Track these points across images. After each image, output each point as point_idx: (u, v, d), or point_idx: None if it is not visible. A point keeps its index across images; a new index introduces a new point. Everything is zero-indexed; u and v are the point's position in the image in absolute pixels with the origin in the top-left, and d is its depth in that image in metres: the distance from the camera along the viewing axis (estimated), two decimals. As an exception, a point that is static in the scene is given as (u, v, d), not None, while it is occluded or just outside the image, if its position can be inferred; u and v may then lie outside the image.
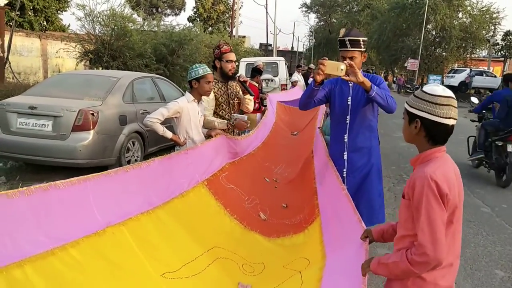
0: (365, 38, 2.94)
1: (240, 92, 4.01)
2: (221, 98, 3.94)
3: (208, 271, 2.36)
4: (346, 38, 2.88)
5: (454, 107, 1.63)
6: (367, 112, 3.09)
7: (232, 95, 3.98)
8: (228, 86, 3.97)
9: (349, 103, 3.05)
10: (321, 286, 2.12)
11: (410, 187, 1.60)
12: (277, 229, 3.22)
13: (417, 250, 1.51)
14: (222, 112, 3.97)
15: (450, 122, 1.62)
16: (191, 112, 3.47)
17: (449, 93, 1.65)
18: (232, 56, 3.86)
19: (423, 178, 1.54)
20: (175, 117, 3.45)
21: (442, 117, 1.61)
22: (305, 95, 3.06)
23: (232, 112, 4.03)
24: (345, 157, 3.10)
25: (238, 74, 3.95)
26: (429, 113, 1.62)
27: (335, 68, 2.64)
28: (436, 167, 1.58)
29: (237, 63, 4.09)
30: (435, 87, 1.67)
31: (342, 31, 2.99)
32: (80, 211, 1.92)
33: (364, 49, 2.93)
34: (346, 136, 3.08)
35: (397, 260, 1.57)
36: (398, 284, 1.64)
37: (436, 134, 1.65)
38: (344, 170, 3.09)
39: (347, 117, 3.06)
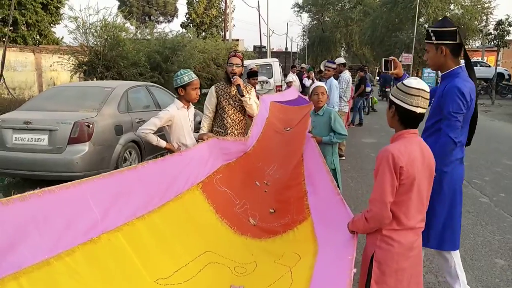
0: (441, 29, 2.60)
1: (249, 95, 4.10)
2: (221, 98, 4.15)
3: (199, 276, 2.36)
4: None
5: (424, 98, 1.96)
6: None
7: (234, 98, 4.09)
8: (232, 89, 4.13)
9: None
10: (311, 285, 2.14)
11: (376, 160, 1.98)
12: (267, 231, 3.24)
13: (368, 207, 1.97)
14: (221, 111, 4.10)
15: (418, 110, 1.96)
16: (182, 118, 3.49)
17: (422, 86, 1.97)
18: (233, 60, 4.12)
19: (383, 151, 1.93)
20: (167, 125, 3.48)
21: (411, 105, 1.96)
22: None
23: (237, 113, 4.13)
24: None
25: (233, 78, 3.99)
26: (401, 101, 1.99)
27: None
28: (398, 144, 1.96)
29: (241, 66, 4.21)
30: (412, 80, 2.02)
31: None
32: (79, 216, 1.91)
33: (437, 42, 2.60)
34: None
35: (359, 217, 2.06)
36: (370, 242, 2.02)
37: (406, 118, 2.00)
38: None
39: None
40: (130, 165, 5.99)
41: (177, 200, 2.72)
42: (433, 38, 2.61)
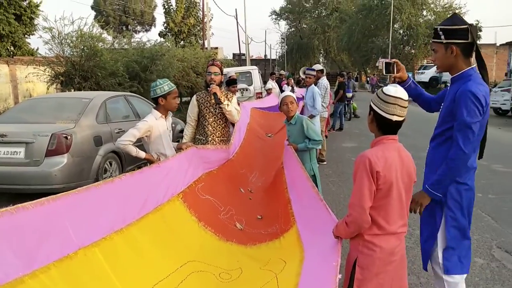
0: (451, 27, 2.35)
1: (229, 101, 4.13)
2: (202, 106, 4.20)
3: (181, 287, 2.34)
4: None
5: (401, 106, 1.97)
6: None
7: (215, 105, 4.13)
8: (212, 96, 4.13)
9: None
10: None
11: (354, 165, 2.02)
12: (253, 237, 3.23)
13: (348, 211, 2.01)
14: (202, 120, 4.15)
15: (394, 118, 1.97)
16: (160, 128, 3.48)
17: (400, 94, 1.98)
18: (211, 69, 4.15)
19: (361, 157, 1.96)
20: (146, 135, 3.45)
21: (387, 113, 1.98)
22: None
23: (218, 120, 4.15)
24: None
25: (210, 87, 4.01)
26: (379, 108, 2.01)
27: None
28: (376, 150, 1.98)
29: (220, 74, 4.22)
30: (390, 87, 2.02)
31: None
32: (54, 232, 1.86)
33: (446, 41, 2.34)
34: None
35: (341, 222, 2.09)
36: (353, 247, 2.05)
37: (383, 125, 2.03)
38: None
39: None
40: (111, 175, 5.95)
41: (157, 212, 2.68)
42: (442, 37, 2.36)
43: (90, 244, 2.02)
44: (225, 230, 3.21)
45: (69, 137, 5.28)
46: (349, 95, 14.55)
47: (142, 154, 3.43)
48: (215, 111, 4.19)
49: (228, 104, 4.08)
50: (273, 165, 4.84)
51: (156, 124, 3.47)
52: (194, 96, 4.32)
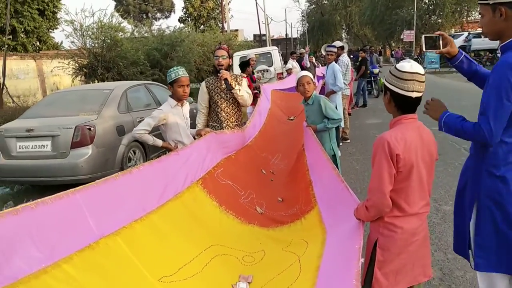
0: None
1: (240, 86, 4.07)
2: (213, 93, 4.12)
3: (206, 270, 2.36)
4: None
5: (419, 81, 1.88)
6: None
7: (225, 91, 4.06)
8: (222, 82, 4.06)
9: None
10: (319, 275, 2.13)
11: (373, 147, 1.95)
12: (275, 220, 3.23)
13: (367, 196, 1.96)
14: (214, 106, 4.08)
15: (414, 94, 1.89)
16: (176, 116, 3.48)
17: (416, 69, 1.88)
18: (218, 52, 4.04)
19: (379, 139, 1.89)
20: (162, 124, 3.47)
21: (406, 91, 1.89)
22: None
23: (230, 105, 4.12)
24: None
25: (219, 72, 3.97)
26: (395, 87, 1.92)
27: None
28: (395, 131, 1.91)
29: (228, 57, 4.15)
30: (405, 63, 1.92)
31: None
32: (74, 224, 1.91)
33: (494, 2, 1.92)
34: None
35: (361, 205, 2.05)
36: (373, 228, 1.99)
37: (402, 104, 1.94)
38: None
39: None
40: (135, 164, 6.06)
41: (177, 199, 2.71)
42: None
43: (111, 233, 2.06)
44: (246, 213, 3.22)
45: (92, 128, 5.39)
46: (376, 70, 13.72)
47: (159, 143, 3.45)
48: (227, 96, 4.12)
49: (239, 89, 4.03)
50: (295, 147, 4.82)
51: (172, 112, 3.47)
52: (203, 82, 4.24)
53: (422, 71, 1.90)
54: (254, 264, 2.58)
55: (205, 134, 3.53)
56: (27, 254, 1.67)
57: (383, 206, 1.88)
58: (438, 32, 2.30)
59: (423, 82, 1.89)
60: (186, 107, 3.64)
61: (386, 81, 1.98)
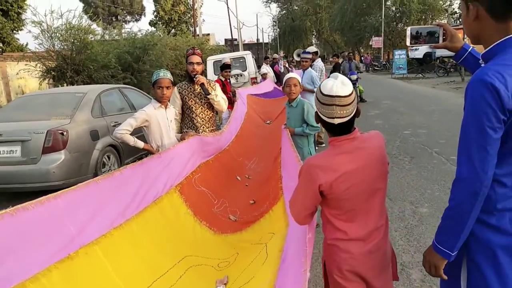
0: None
1: (215, 91, 4.02)
2: (186, 98, 4.03)
3: (180, 283, 2.33)
4: None
5: (339, 105, 1.63)
6: None
7: (200, 95, 4.02)
8: (196, 87, 4.03)
9: None
10: (282, 255, 2.19)
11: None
12: (247, 222, 3.28)
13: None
14: (189, 112, 4.03)
15: (335, 121, 1.65)
16: (159, 118, 3.43)
17: (336, 90, 1.63)
18: (192, 59, 3.96)
19: (305, 163, 1.74)
20: (145, 126, 3.41)
21: (326, 117, 1.68)
22: None
23: (205, 110, 4.07)
24: None
25: (195, 77, 3.92)
26: (318, 110, 1.72)
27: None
28: (323, 156, 1.73)
29: (202, 63, 4.09)
30: (327, 83, 1.67)
31: None
32: (55, 231, 1.84)
33: None
34: None
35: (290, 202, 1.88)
36: (324, 247, 1.83)
37: (328, 128, 1.73)
38: None
39: None
40: (110, 169, 5.91)
41: (155, 206, 2.67)
42: None
43: (90, 242, 2.00)
44: (219, 224, 3.23)
45: (65, 133, 5.22)
46: (354, 77, 12.63)
47: (140, 144, 3.39)
48: (201, 102, 4.06)
49: (216, 95, 4.00)
50: (273, 150, 4.84)
51: (155, 114, 3.42)
52: (175, 88, 4.12)
53: (345, 92, 1.63)
54: (229, 267, 2.60)
55: (189, 137, 3.49)
56: (4, 266, 1.58)
57: (298, 222, 1.85)
58: (438, 22, 1.94)
59: (347, 105, 1.63)
60: (171, 110, 3.59)
61: (315, 99, 1.77)
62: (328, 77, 1.85)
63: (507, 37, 1.45)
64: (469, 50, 1.81)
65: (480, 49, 1.64)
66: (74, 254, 1.88)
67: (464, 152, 1.44)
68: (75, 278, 1.82)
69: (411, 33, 2.02)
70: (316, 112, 1.75)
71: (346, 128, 1.68)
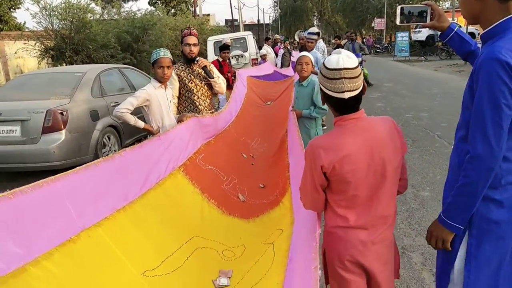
0: None
1: (212, 72, 3.95)
2: (186, 80, 3.93)
3: (187, 264, 2.31)
4: None
5: (348, 78, 1.56)
6: None
7: (200, 77, 3.95)
8: (194, 68, 3.94)
9: None
10: (289, 255, 2.15)
11: None
12: (256, 209, 3.21)
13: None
14: (189, 94, 3.94)
15: (346, 95, 1.58)
16: (160, 98, 3.39)
17: (343, 63, 1.57)
18: (189, 40, 3.84)
19: (309, 145, 1.69)
20: (145, 105, 3.37)
21: (335, 92, 1.60)
22: None
23: (206, 92, 4.01)
24: None
25: (196, 59, 3.83)
26: (326, 88, 1.63)
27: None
28: (327, 137, 1.67)
29: (198, 44, 3.97)
30: (333, 57, 1.62)
31: None
32: (55, 215, 1.79)
33: None
34: None
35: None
36: (325, 234, 1.76)
37: (337, 106, 1.65)
38: None
39: None
40: (110, 150, 5.89)
41: (159, 187, 2.63)
42: None
43: (92, 225, 1.96)
44: (228, 202, 3.18)
45: (64, 112, 5.17)
46: (358, 59, 11.59)
47: (141, 124, 3.35)
48: (202, 83, 3.98)
49: (218, 77, 3.92)
50: (277, 131, 4.81)
51: (155, 94, 3.37)
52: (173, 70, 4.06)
53: (352, 64, 1.59)
54: (234, 259, 2.56)
55: (186, 119, 3.45)
56: (4, 250, 1.54)
57: (305, 207, 1.83)
58: (426, 2, 1.93)
59: (355, 77, 1.58)
60: (169, 90, 3.55)
61: (318, 79, 1.70)
62: None
63: (510, 16, 1.49)
64: (455, 29, 1.85)
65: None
66: (76, 237, 1.83)
67: (479, 129, 1.46)
68: (79, 260, 1.79)
69: (402, 11, 2.01)
70: (322, 91, 1.68)
71: (354, 105, 1.62)
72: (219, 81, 3.94)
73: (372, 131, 1.63)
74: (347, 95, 1.58)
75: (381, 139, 1.63)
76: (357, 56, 12.24)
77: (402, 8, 2.01)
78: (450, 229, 1.60)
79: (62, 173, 1.91)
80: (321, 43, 8.12)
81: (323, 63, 1.65)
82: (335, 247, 1.71)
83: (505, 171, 1.50)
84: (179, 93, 3.96)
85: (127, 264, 1.98)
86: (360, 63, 12.21)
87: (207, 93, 4.08)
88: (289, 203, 2.89)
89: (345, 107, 1.62)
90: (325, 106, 3.87)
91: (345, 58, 1.58)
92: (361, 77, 1.61)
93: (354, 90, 1.58)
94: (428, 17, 1.93)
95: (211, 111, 4.13)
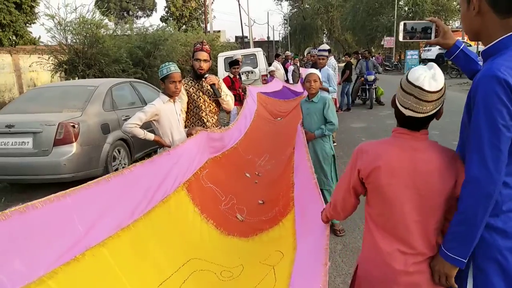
0: None
1: (220, 89, 3.93)
2: (195, 96, 3.88)
3: (184, 286, 2.28)
4: None
5: (417, 98, 1.46)
6: None
7: (208, 93, 3.91)
8: (203, 85, 3.90)
9: None
10: (291, 282, 2.10)
11: None
12: (254, 227, 3.18)
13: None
14: (197, 110, 3.89)
15: (406, 112, 1.50)
16: (168, 112, 3.41)
17: (422, 82, 1.44)
18: (200, 55, 3.78)
19: (358, 146, 1.68)
20: (154, 120, 3.38)
21: (400, 105, 1.54)
22: None
23: (214, 108, 3.98)
24: None
25: (205, 76, 3.80)
26: (397, 96, 1.57)
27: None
28: (375, 141, 1.63)
29: (209, 60, 3.92)
30: (417, 70, 1.50)
31: None
32: (63, 232, 1.78)
33: None
34: None
35: (328, 204, 1.91)
36: (362, 250, 1.73)
37: (396, 114, 1.60)
38: None
39: None
40: (120, 163, 5.91)
41: (163, 205, 2.62)
42: None
43: (97, 243, 1.94)
44: (226, 223, 3.17)
45: (76, 125, 5.21)
46: (371, 77, 11.96)
47: (151, 136, 3.37)
48: (210, 100, 3.93)
49: (226, 95, 3.90)
50: (284, 149, 4.78)
51: (164, 108, 3.38)
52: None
53: (431, 87, 1.44)
54: (232, 279, 2.52)
55: (195, 133, 3.44)
56: (11, 269, 1.52)
57: (338, 206, 1.77)
58: (430, 18, 1.84)
59: (426, 101, 1.45)
60: (178, 104, 3.56)
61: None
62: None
63: (510, 33, 1.41)
64: (461, 47, 1.74)
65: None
66: (81, 256, 1.82)
67: (475, 151, 1.36)
68: (82, 280, 1.77)
69: (405, 27, 1.93)
70: (394, 96, 1.61)
71: (414, 124, 1.53)
72: (227, 99, 3.91)
73: (424, 154, 1.52)
74: (407, 113, 1.50)
75: (431, 166, 1.50)
76: (370, 74, 12.14)
77: (405, 24, 1.94)
78: (451, 263, 1.46)
79: (73, 188, 1.90)
80: (332, 60, 8.15)
81: (408, 72, 1.54)
82: (365, 266, 1.67)
83: (505, 197, 1.40)
84: (187, 108, 3.93)
85: (127, 286, 1.95)
86: (373, 81, 12.29)
87: (215, 109, 4.05)
88: (292, 226, 2.83)
89: (403, 121, 1.56)
90: (335, 120, 3.88)
91: (427, 78, 1.45)
92: (438, 103, 1.48)
93: (418, 112, 1.48)
94: (433, 34, 1.85)
95: (218, 127, 4.10)
